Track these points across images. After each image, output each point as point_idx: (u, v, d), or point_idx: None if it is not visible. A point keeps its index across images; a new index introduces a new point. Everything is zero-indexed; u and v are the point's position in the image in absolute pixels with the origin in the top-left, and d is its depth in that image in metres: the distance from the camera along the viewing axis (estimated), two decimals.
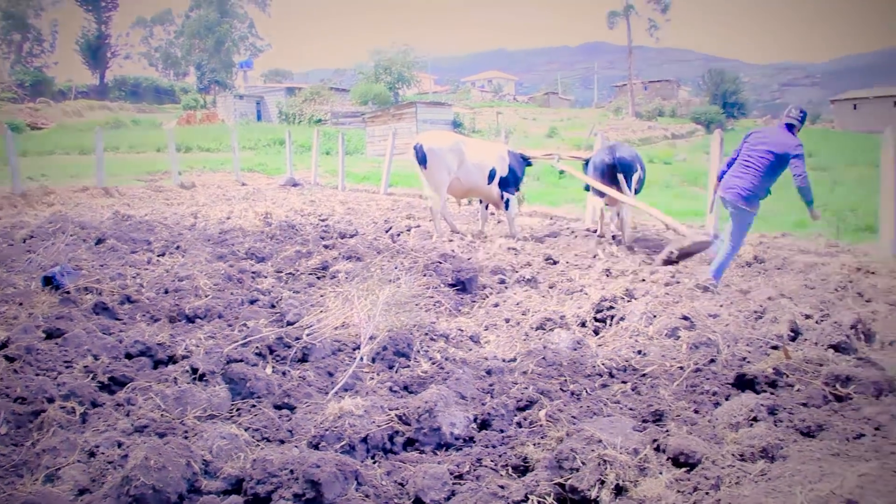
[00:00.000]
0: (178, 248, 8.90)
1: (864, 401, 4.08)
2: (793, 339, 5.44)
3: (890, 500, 2.50)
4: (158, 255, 8.66)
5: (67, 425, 3.61)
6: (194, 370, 4.28)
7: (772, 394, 4.26)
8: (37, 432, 3.51)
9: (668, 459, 3.33)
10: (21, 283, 6.73)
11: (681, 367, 4.77)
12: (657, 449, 3.39)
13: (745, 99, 70.07)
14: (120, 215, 12.91)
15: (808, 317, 6.12)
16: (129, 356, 4.70)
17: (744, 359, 4.86)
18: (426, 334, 5.18)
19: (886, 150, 10.13)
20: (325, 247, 9.38)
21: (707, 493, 3.03)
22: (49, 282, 6.32)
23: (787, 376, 4.47)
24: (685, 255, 8.90)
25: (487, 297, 7.09)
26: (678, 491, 3.07)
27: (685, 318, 5.65)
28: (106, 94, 69.76)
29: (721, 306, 6.64)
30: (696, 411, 4.07)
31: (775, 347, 5.09)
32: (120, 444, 3.27)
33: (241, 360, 4.47)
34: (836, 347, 5.05)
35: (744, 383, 4.44)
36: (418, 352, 4.88)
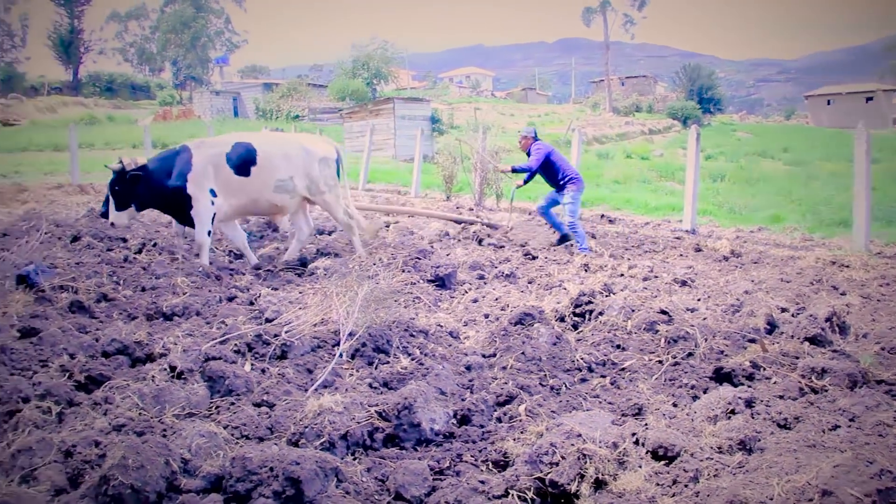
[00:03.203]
0: (154, 245, 8.82)
1: (838, 392, 4.13)
2: (769, 333, 5.50)
3: (863, 490, 2.54)
4: (135, 253, 8.58)
5: (43, 425, 3.57)
6: (172, 368, 4.25)
7: (749, 387, 4.30)
8: (12, 432, 3.47)
9: (647, 453, 3.35)
10: None
11: (659, 361, 4.81)
12: (636, 442, 3.42)
13: (721, 94, 70.51)
14: (95, 212, 12.76)
15: (784, 310, 6.19)
16: (105, 355, 4.66)
17: (721, 352, 4.91)
18: (405, 330, 5.17)
19: (859, 146, 10.25)
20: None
21: (686, 486, 3.05)
22: (23, 280, 6.24)
23: (764, 369, 4.53)
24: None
25: (466, 292, 7.10)
26: (657, 484, 3.09)
27: (663, 312, 5.69)
28: (80, 90, 68.83)
29: (699, 300, 6.70)
30: (674, 405, 4.11)
31: (752, 341, 5.15)
32: (97, 444, 3.24)
33: (220, 358, 4.45)
34: (812, 340, 5.11)
35: (721, 376, 4.48)
36: (398, 348, 4.87)
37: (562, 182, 10.30)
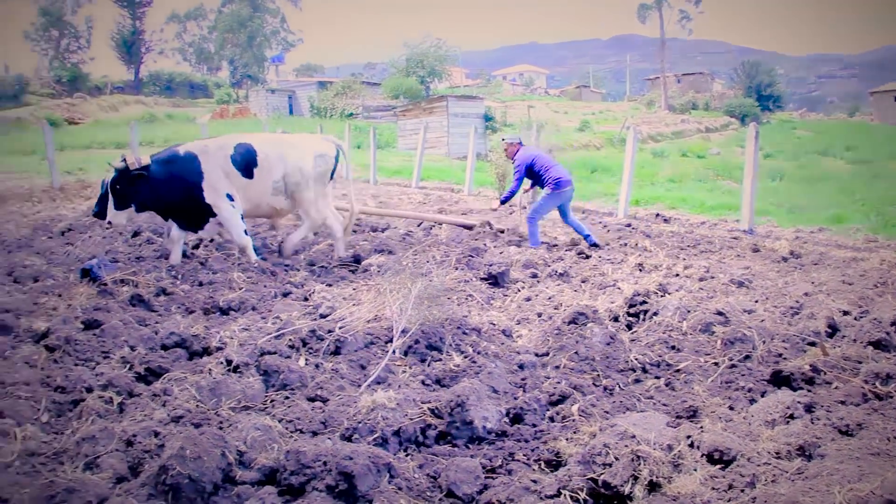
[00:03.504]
0: (212, 240, 8.99)
1: None
2: (830, 336, 5.35)
3: None
4: (193, 248, 8.76)
5: (106, 414, 3.67)
6: (229, 362, 4.33)
7: (809, 391, 4.20)
8: (76, 421, 3.58)
9: (702, 456, 3.30)
10: (60, 275, 6.86)
11: (715, 363, 4.73)
12: (691, 445, 3.36)
13: (781, 91, 68.65)
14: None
15: (846, 313, 6.02)
16: (164, 347, 4.77)
17: (780, 355, 4.80)
18: (458, 328, 5.17)
19: None
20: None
21: (742, 491, 2.99)
22: (87, 274, 6.43)
23: (825, 373, 4.41)
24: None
25: (519, 291, 7.06)
26: (713, 488, 3.04)
27: (720, 313, 5.59)
28: (140, 89, 70.54)
29: (756, 302, 6.56)
30: (730, 408, 4.03)
31: (812, 344, 5.02)
32: (157, 434, 3.32)
33: (275, 353, 4.52)
34: (876, 344, 4.95)
35: (780, 380, 4.38)
36: (450, 345, 4.88)
37: (544, 184, 9.92)
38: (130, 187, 7.45)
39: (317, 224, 8.60)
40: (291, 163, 8.08)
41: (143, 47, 75.35)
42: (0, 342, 4.65)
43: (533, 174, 10.00)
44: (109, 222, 7.70)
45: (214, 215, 7.75)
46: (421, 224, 11.76)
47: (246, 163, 7.83)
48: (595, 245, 9.78)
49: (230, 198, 7.73)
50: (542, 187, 10.02)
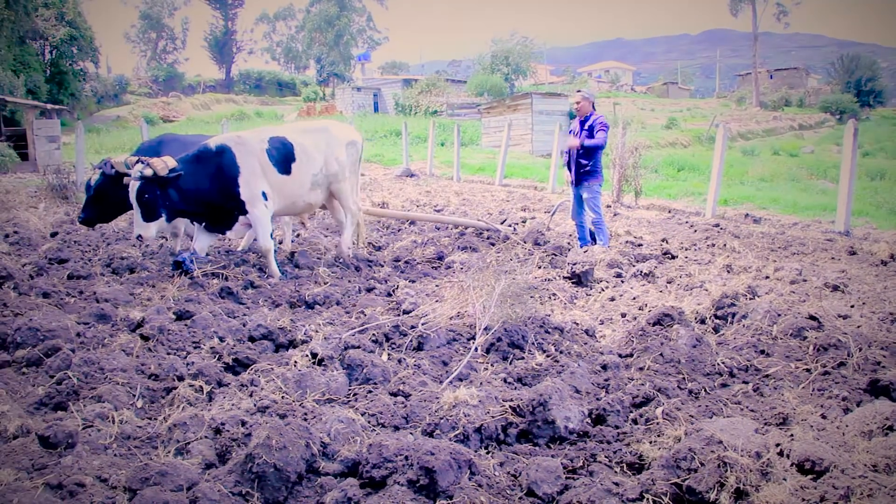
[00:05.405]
0: (297, 236, 9.18)
1: None
2: None
3: None
4: (279, 243, 8.96)
5: (196, 402, 3.80)
6: (313, 355, 4.42)
7: None
8: (168, 408, 3.71)
9: (792, 465, 3.17)
10: (154, 267, 7.12)
11: (807, 370, 4.56)
12: (781, 454, 3.24)
13: (883, 86, 65.50)
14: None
15: None
16: (252, 339, 4.90)
17: (878, 363, 4.58)
18: (541, 327, 5.14)
19: None
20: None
21: None
22: (179, 266, 6.66)
23: None
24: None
25: (603, 290, 6.97)
26: (803, 499, 2.92)
27: (812, 317, 5.38)
28: (231, 88, 72.83)
29: (852, 307, 6.30)
30: (823, 416, 3.87)
31: None
32: (244, 423, 3.41)
33: (359, 347, 4.58)
34: None
35: (878, 389, 4.18)
36: (533, 344, 4.86)
37: (590, 169, 9.01)
38: (162, 194, 6.66)
39: (354, 213, 8.10)
40: (328, 152, 7.61)
41: (234, 47, 77.83)
42: (100, 330, 4.87)
43: (591, 152, 9.02)
44: (139, 236, 6.80)
45: (245, 213, 7.07)
46: (505, 221, 11.73)
47: (283, 157, 7.22)
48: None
49: (265, 197, 7.05)
50: (581, 166, 9.08)
